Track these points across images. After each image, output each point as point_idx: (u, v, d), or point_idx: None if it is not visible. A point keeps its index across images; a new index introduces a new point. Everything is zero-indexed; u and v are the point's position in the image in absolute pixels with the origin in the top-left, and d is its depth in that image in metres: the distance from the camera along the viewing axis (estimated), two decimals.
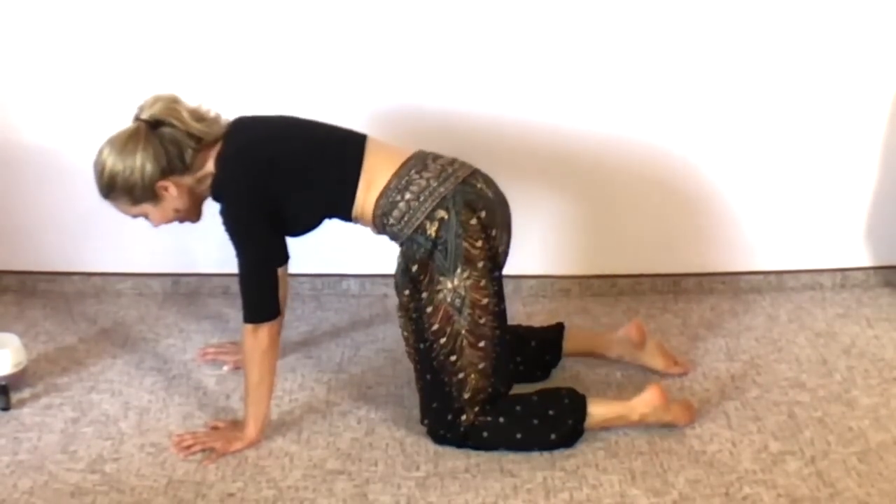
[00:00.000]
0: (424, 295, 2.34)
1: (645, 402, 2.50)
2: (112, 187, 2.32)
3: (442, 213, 2.32)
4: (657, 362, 2.78)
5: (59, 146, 3.06)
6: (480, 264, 2.34)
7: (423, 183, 2.34)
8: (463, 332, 2.35)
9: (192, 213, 2.44)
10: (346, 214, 2.42)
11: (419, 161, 2.39)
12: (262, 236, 2.35)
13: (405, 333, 2.43)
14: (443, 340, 2.36)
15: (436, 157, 2.42)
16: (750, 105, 3.06)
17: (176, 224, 2.47)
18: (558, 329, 2.79)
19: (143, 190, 2.31)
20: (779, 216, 3.21)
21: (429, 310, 2.35)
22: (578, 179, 3.12)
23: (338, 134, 2.45)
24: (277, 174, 2.34)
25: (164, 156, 2.29)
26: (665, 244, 3.25)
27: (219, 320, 3.09)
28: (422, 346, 2.39)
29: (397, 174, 2.36)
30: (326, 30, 2.92)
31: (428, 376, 2.41)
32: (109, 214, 3.12)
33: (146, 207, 2.37)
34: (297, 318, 3.04)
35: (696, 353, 2.92)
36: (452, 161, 2.43)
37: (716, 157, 3.12)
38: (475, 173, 2.42)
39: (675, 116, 3.06)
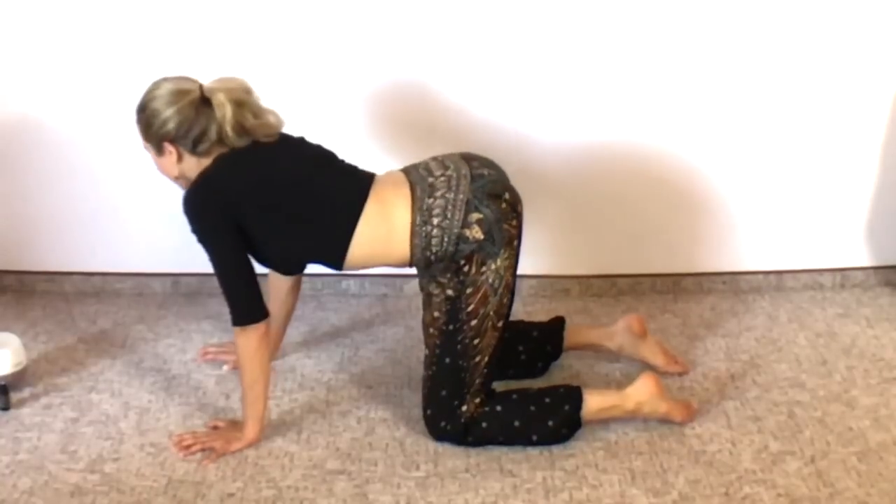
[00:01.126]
0: (468, 278, 2.36)
1: (639, 390, 2.50)
2: (142, 112, 2.35)
3: (476, 216, 2.34)
4: (657, 359, 2.78)
5: (60, 146, 3.06)
6: (515, 242, 2.40)
7: (442, 202, 2.34)
8: (491, 313, 2.38)
9: (175, 179, 2.44)
10: (335, 262, 2.42)
11: (421, 184, 2.38)
12: (224, 240, 2.34)
13: (436, 314, 2.41)
14: (473, 322, 2.37)
15: (427, 169, 2.42)
16: (750, 105, 3.06)
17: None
18: (559, 322, 2.80)
19: (153, 135, 2.34)
20: (779, 216, 3.21)
21: (469, 290, 2.36)
22: (578, 179, 3.12)
23: (341, 184, 2.42)
24: (260, 196, 2.34)
25: (187, 128, 2.31)
26: (665, 244, 3.24)
27: (219, 320, 3.09)
28: (451, 327, 2.39)
29: (416, 209, 2.35)
30: (329, 33, 2.93)
31: (447, 360, 2.41)
32: (109, 214, 3.14)
33: (150, 149, 2.39)
34: (297, 317, 3.03)
35: (696, 352, 2.92)
36: (442, 163, 2.42)
37: (716, 158, 3.12)
38: (469, 162, 2.42)
39: (675, 116, 3.06)
